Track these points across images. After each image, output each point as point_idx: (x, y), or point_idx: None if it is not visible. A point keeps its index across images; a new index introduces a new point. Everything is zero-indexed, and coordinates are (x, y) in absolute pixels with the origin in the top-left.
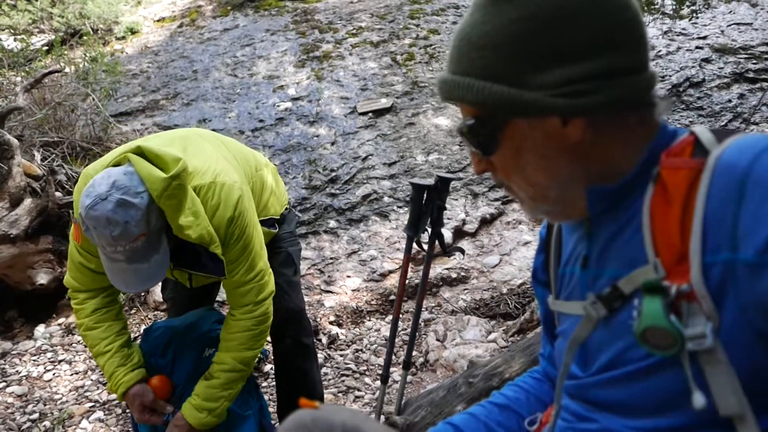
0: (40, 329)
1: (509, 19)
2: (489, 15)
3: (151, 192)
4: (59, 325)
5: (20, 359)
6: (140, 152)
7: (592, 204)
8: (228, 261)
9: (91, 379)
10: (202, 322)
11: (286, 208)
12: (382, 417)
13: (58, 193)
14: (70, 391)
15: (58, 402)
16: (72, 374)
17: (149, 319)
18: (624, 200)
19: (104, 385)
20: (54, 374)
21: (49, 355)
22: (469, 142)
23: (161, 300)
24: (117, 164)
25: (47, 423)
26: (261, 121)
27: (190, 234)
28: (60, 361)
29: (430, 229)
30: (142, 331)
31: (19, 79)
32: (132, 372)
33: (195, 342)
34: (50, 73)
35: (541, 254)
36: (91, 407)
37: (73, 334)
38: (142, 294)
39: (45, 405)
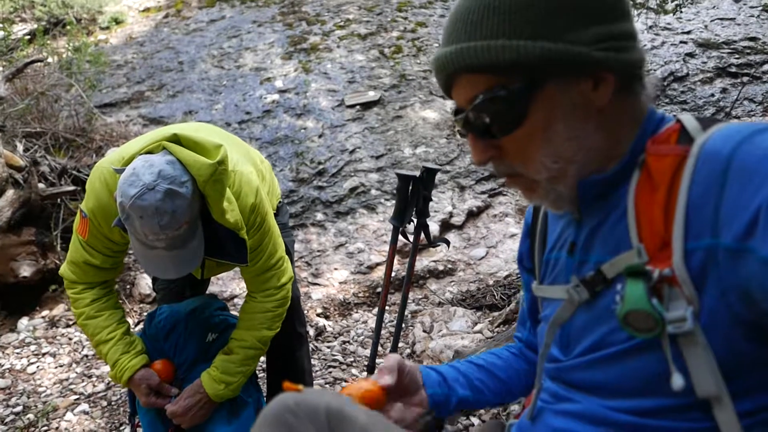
0: (24, 322)
1: None
2: None
3: (197, 178)
4: (43, 317)
5: (3, 352)
6: (176, 140)
7: (583, 192)
8: (250, 248)
9: (76, 372)
10: (204, 308)
11: (280, 202)
12: None
13: (41, 185)
14: (55, 383)
15: (42, 395)
16: (56, 367)
17: (134, 311)
18: (613, 188)
19: (89, 377)
20: (38, 367)
21: (32, 347)
22: (486, 121)
23: (147, 293)
24: (149, 152)
25: (31, 416)
26: (248, 113)
27: (229, 219)
28: (44, 354)
29: (415, 220)
30: (131, 321)
31: (0, 68)
32: (136, 358)
33: (198, 327)
34: (32, 62)
35: (526, 240)
36: (75, 400)
37: (56, 327)
38: (128, 286)
39: (29, 398)
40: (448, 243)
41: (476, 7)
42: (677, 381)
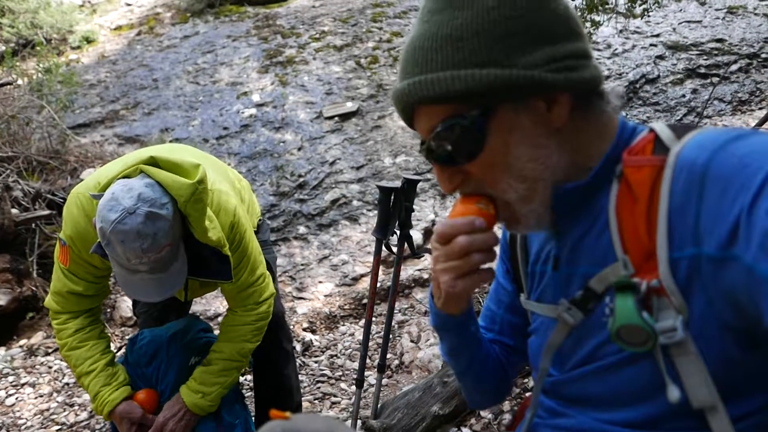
0: (0, 352)
1: (487, 8)
2: (458, 10)
3: (177, 198)
4: (21, 347)
5: None
6: (153, 162)
7: (558, 203)
8: (231, 266)
9: (57, 401)
10: (187, 331)
11: (260, 219)
12: (359, 422)
13: (14, 210)
14: (35, 415)
15: (23, 427)
16: (36, 397)
17: (116, 335)
18: (589, 199)
19: (71, 406)
20: (17, 398)
21: (10, 378)
22: (448, 149)
23: (128, 315)
24: (126, 176)
25: None
26: (225, 128)
27: (211, 237)
28: (23, 385)
29: (398, 231)
30: (112, 346)
31: None
32: (117, 390)
33: (181, 351)
34: (2, 85)
35: (506, 252)
36: (57, 430)
37: (35, 356)
38: (108, 310)
39: (8, 431)
40: (431, 253)
41: (426, 40)
42: (673, 393)
